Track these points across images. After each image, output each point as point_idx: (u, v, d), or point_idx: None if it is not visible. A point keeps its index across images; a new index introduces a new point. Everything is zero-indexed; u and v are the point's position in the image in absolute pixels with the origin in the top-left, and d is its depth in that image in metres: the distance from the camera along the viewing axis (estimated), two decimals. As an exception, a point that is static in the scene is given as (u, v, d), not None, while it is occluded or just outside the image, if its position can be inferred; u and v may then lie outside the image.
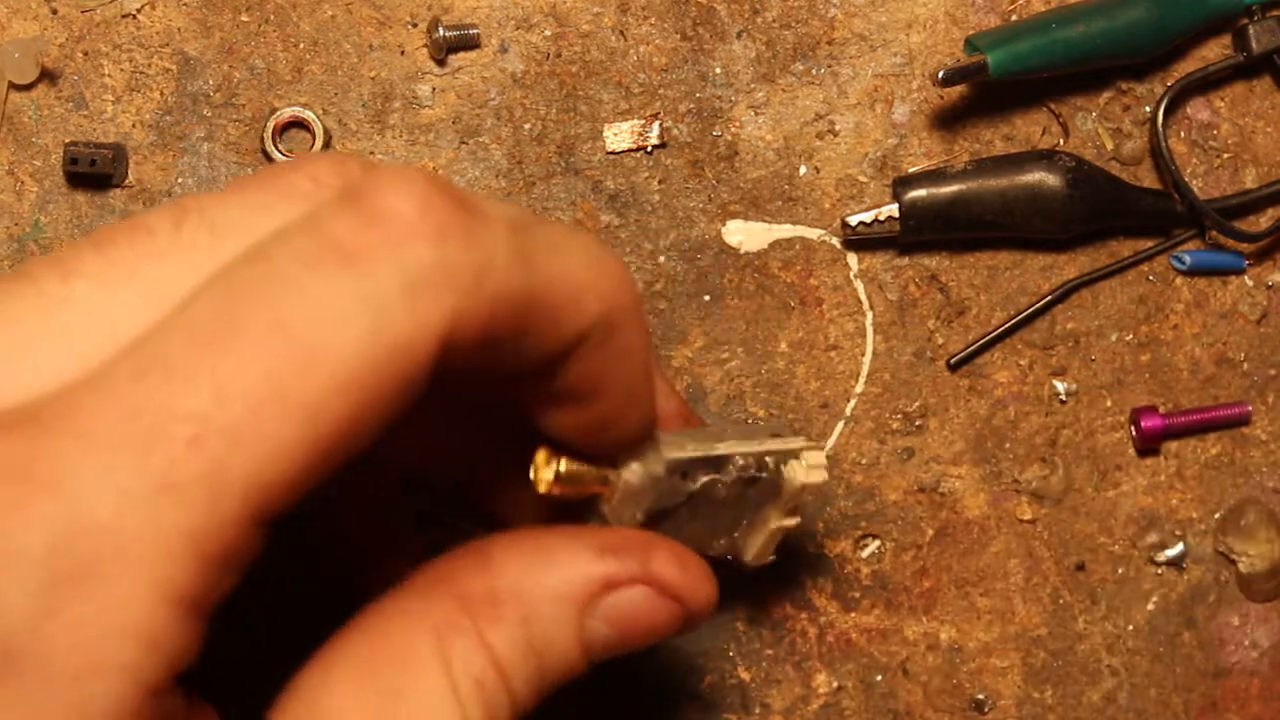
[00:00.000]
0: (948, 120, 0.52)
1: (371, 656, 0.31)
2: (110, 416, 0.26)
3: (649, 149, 0.52)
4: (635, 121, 0.52)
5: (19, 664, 0.26)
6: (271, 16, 0.52)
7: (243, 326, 0.27)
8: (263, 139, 0.51)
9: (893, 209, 0.51)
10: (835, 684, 0.52)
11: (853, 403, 0.52)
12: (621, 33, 0.52)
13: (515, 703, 0.33)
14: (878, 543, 0.52)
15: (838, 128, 0.52)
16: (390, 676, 0.31)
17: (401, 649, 0.31)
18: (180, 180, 0.51)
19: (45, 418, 0.27)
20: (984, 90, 0.52)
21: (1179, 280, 0.53)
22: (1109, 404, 0.53)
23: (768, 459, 0.40)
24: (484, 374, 0.31)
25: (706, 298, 0.52)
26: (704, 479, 0.39)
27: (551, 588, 0.33)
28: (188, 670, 0.28)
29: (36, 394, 0.28)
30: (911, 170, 0.52)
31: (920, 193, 0.51)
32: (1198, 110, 0.53)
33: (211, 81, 0.51)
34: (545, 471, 0.35)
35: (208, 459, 0.26)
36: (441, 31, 0.51)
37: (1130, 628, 0.52)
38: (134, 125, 0.51)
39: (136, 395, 0.27)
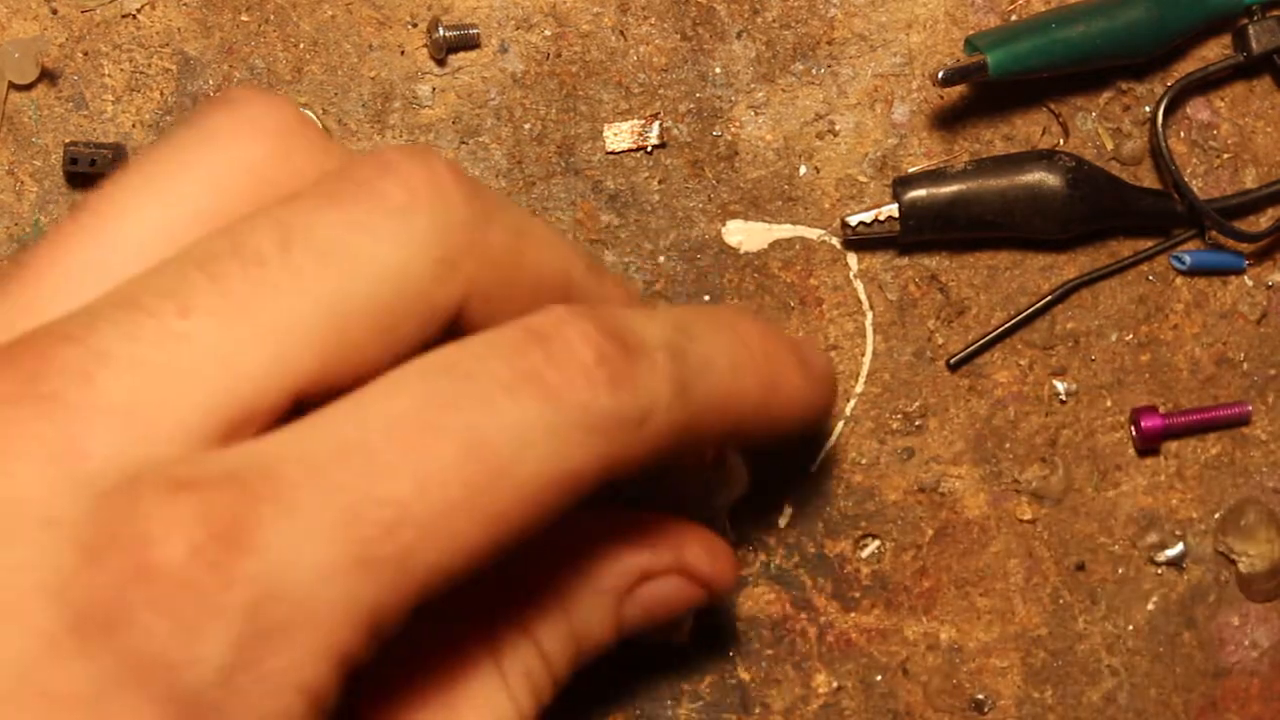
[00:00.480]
0: (948, 120, 0.52)
1: (428, 660, 0.34)
2: (312, 489, 0.28)
3: (649, 149, 0.52)
4: (635, 121, 0.52)
5: (211, 712, 0.27)
6: (271, 16, 0.52)
7: (445, 432, 0.29)
8: (263, 139, 0.51)
9: (893, 209, 0.51)
10: (835, 684, 0.52)
11: (853, 403, 0.52)
12: (621, 33, 0.52)
13: (557, 685, 0.36)
14: (878, 543, 0.52)
15: (838, 128, 0.52)
16: (447, 677, 0.34)
17: (455, 648, 0.34)
18: (180, 180, 0.51)
19: (245, 479, 0.28)
20: (984, 90, 0.52)
21: (1179, 280, 0.53)
22: (1109, 404, 0.53)
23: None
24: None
25: (706, 298, 0.52)
26: None
27: (593, 581, 0.36)
28: None
29: (182, 444, 0.28)
30: (911, 170, 0.52)
31: (920, 193, 0.51)
32: (1198, 110, 0.53)
33: (211, 81, 0.51)
34: None
35: (402, 544, 0.28)
36: (441, 31, 0.51)
37: (1130, 628, 0.52)
38: (134, 125, 0.51)
39: (339, 474, 0.28)
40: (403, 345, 0.31)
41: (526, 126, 0.52)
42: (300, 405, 0.30)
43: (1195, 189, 0.52)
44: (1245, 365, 0.53)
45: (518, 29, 0.52)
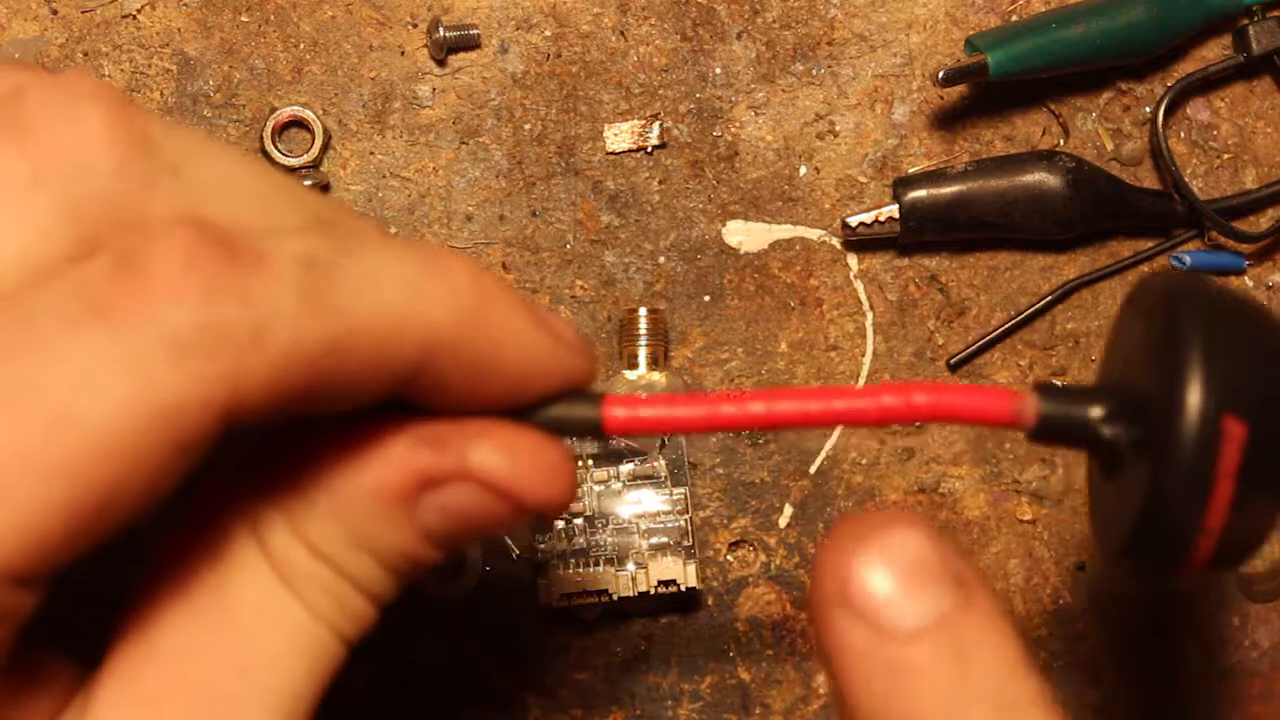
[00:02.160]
0: (948, 120, 0.52)
1: (190, 558, 0.30)
2: None
3: (649, 149, 0.52)
4: (635, 122, 0.52)
5: None
6: (271, 17, 0.52)
7: None
8: (262, 139, 0.51)
9: (893, 209, 0.51)
10: (835, 684, 0.52)
11: (853, 403, 0.52)
12: (621, 33, 0.52)
13: (368, 591, 0.31)
14: (878, 543, 0.52)
15: (838, 128, 0.52)
16: (211, 574, 0.29)
17: (217, 545, 0.30)
18: (180, 180, 0.51)
19: None
20: (984, 90, 0.52)
21: (1179, 280, 0.53)
22: (1109, 404, 0.53)
23: None
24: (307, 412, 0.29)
25: (706, 298, 0.52)
26: None
27: (363, 484, 0.31)
28: None
29: None
30: (911, 171, 0.52)
31: (920, 193, 0.51)
32: (1198, 110, 0.53)
33: (211, 82, 0.51)
34: None
35: None
36: (441, 31, 0.51)
37: (1130, 628, 0.52)
38: (134, 125, 0.51)
39: None
40: None
41: (526, 127, 0.52)
42: None
43: (1195, 189, 0.52)
44: (1245, 365, 0.53)
45: (518, 29, 0.52)
